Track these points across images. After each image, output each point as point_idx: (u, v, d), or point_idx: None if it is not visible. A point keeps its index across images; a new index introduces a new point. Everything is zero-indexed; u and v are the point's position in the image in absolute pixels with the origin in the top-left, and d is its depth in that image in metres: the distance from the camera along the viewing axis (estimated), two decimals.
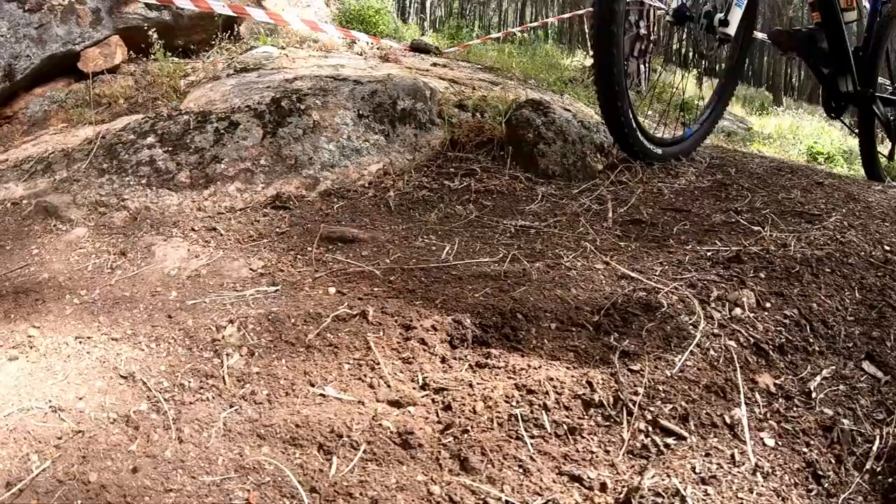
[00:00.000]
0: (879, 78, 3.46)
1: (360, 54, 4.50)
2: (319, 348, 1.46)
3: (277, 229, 2.14)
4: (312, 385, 1.37)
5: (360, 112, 2.82)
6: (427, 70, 4.22)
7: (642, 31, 5.06)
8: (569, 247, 2.02)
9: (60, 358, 1.55)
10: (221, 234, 2.10)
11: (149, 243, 2.05)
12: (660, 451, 1.14)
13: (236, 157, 2.45)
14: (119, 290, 1.80)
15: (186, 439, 1.23)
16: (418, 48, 5.07)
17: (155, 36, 3.86)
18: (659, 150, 2.88)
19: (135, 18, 4.54)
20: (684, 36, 2.87)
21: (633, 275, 1.71)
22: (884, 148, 3.85)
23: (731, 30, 2.63)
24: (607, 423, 1.20)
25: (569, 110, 3.43)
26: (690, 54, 2.91)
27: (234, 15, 4.52)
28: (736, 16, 2.63)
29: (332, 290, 1.74)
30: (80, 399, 1.39)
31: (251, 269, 1.86)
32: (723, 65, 3.34)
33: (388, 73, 3.30)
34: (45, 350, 1.60)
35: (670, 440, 1.16)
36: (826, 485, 1.11)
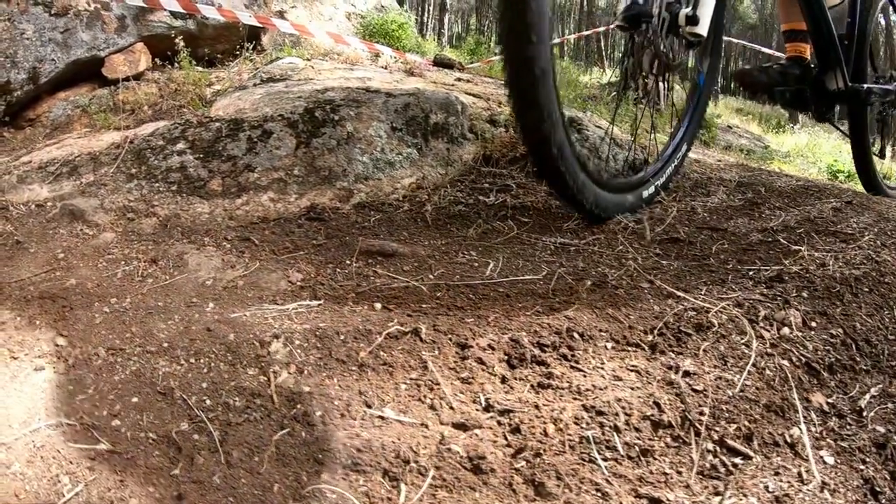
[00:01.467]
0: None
1: (385, 68, 4.45)
2: (373, 367, 1.37)
3: (314, 241, 2.05)
4: (369, 406, 1.27)
5: (394, 125, 2.75)
6: (452, 85, 4.16)
7: (661, 48, 4.96)
8: (611, 265, 1.99)
9: (91, 370, 1.46)
10: (256, 245, 2.02)
11: (180, 251, 1.96)
12: (728, 471, 1.12)
13: (269, 166, 2.37)
14: (152, 299, 1.71)
15: (236, 464, 1.13)
16: (441, 63, 5.03)
17: (182, 44, 3.81)
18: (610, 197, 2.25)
19: (160, 26, 4.51)
20: (643, 42, 2.19)
21: (679, 294, 1.70)
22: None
23: (703, 28, 2.06)
24: (676, 444, 1.18)
25: (599, 127, 3.38)
26: (650, 66, 2.25)
27: (260, 26, 4.49)
28: (707, 8, 2.05)
29: (378, 305, 1.65)
30: (115, 416, 1.30)
31: (290, 282, 1.77)
32: (691, 77, 2.65)
33: (417, 87, 3.24)
34: (74, 361, 1.51)
35: (737, 460, 1.15)
36: (884, 500, 1.13)
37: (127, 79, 4.09)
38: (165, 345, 1.49)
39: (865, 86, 2.80)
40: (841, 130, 3.40)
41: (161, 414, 1.28)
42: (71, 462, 1.19)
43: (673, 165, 2.61)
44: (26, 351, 1.59)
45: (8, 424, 1.33)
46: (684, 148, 2.66)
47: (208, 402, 1.30)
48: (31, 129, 3.99)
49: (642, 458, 1.12)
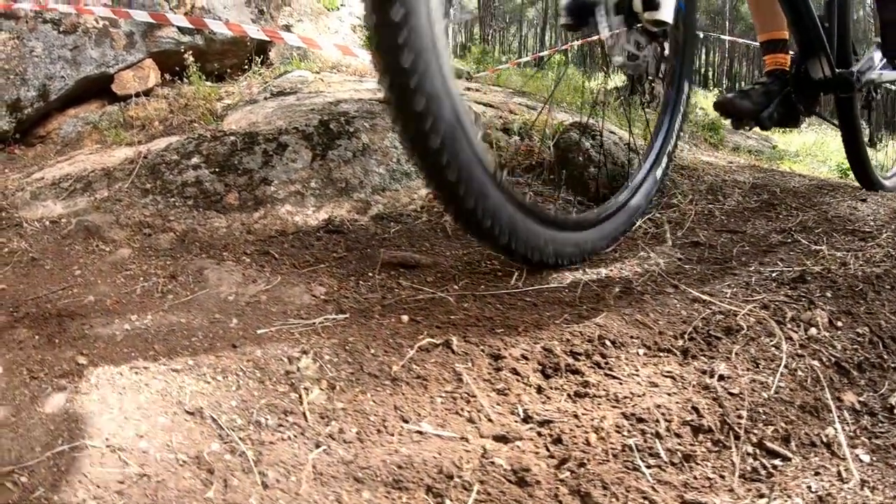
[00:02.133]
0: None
1: None
2: (407, 381, 1.34)
3: (334, 254, 2.02)
4: (406, 421, 1.23)
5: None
6: (461, 94, 4.15)
7: (667, 52, 4.85)
8: (635, 271, 1.98)
9: (115, 390, 1.42)
10: (276, 258, 1.98)
11: (200, 267, 1.93)
12: (769, 473, 1.12)
13: (286, 179, 2.34)
14: (173, 316, 1.67)
15: (272, 484, 1.09)
16: None
17: (191, 59, 3.81)
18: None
19: (168, 42, 4.51)
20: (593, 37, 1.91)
21: (705, 298, 1.70)
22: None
23: (665, 13, 1.66)
24: (717, 449, 1.17)
25: (613, 132, 3.36)
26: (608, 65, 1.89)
27: (267, 39, 4.48)
28: None
29: (406, 317, 1.61)
30: (142, 437, 1.26)
31: (313, 296, 1.74)
32: (658, 76, 2.03)
33: None
34: (96, 380, 1.47)
35: (777, 462, 1.15)
36: None
37: (136, 95, 4.09)
38: (191, 363, 1.45)
39: (854, 70, 2.53)
40: (831, 122, 3.11)
41: (190, 434, 1.24)
42: (98, 486, 1.15)
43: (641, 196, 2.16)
44: (46, 370, 1.55)
45: (30, 447, 1.29)
46: (658, 172, 2.22)
47: (239, 420, 1.26)
48: (42, 145, 3.98)
49: (685, 464, 1.11)
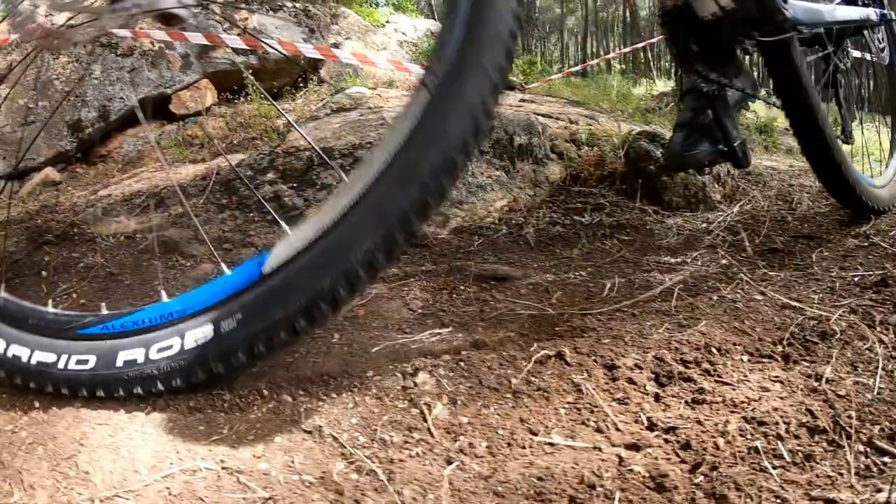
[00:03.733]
0: None
1: None
2: (528, 393, 1.31)
3: (422, 267, 1.97)
4: (534, 433, 1.20)
5: (481, 148, 2.68)
6: (519, 106, 4.10)
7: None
8: (721, 279, 1.99)
9: (219, 410, 1.37)
10: None
11: None
12: (881, 470, 1.14)
13: None
14: None
15: (409, 503, 1.02)
16: None
17: (252, 77, 3.83)
18: None
19: (223, 63, 4.56)
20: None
21: (794, 304, 1.73)
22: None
23: None
24: (833, 448, 1.19)
25: None
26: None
27: (321, 58, 4.50)
28: None
29: (512, 331, 1.55)
30: (259, 458, 1.20)
31: (410, 310, 1.68)
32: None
33: None
34: (202, 399, 1.42)
35: (886, 459, 1.17)
36: None
37: (196, 114, 4.13)
38: (298, 379, 1.40)
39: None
40: (769, 102, 2.12)
41: (311, 453, 1.18)
42: None
43: None
44: None
45: (133, 469, 1.24)
46: None
47: (361, 438, 1.20)
48: (104, 164, 4.03)
49: (806, 464, 1.14)
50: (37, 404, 1.42)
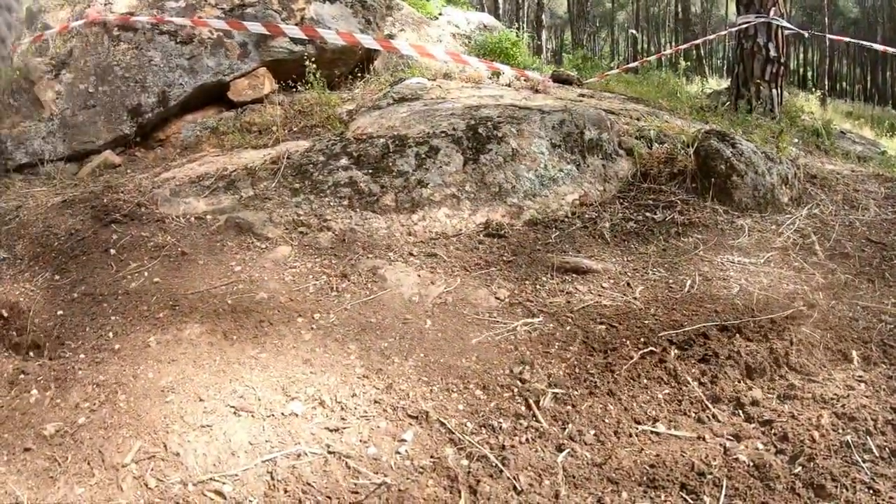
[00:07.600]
0: None
1: (508, 85, 4.36)
2: (628, 384, 1.30)
3: (503, 258, 1.94)
4: (638, 423, 1.21)
5: (553, 141, 2.64)
6: (578, 100, 4.03)
7: (772, 53, 4.55)
8: (796, 282, 1.97)
9: (318, 392, 1.35)
10: (445, 261, 1.91)
11: (371, 267, 1.87)
12: None
13: (440, 182, 2.28)
14: (360, 315, 1.61)
15: (526, 489, 1.00)
16: (560, 79, 4.90)
17: (314, 66, 3.83)
18: None
19: (281, 52, 4.57)
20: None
21: (872, 307, 1.75)
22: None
23: None
24: None
25: (750, 140, 3.21)
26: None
27: (379, 48, 4.48)
28: None
29: (602, 325, 1.51)
30: (366, 443, 1.18)
31: (497, 298, 1.65)
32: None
33: (562, 104, 3.13)
34: (289, 381, 1.40)
35: None
36: None
37: (254, 101, 4.14)
38: (396, 364, 1.37)
39: None
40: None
41: (419, 439, 1.16)
42: (329, 497, 1.09)
43: None
44: (230, 369, 1.50)
45: (230, 451, 1.22)
46: None
47: (469, 425, 1.18)
48: (162, 148, 4.07)
49: (893, 458, 1.19)
50: (115, 380, 1.40)
